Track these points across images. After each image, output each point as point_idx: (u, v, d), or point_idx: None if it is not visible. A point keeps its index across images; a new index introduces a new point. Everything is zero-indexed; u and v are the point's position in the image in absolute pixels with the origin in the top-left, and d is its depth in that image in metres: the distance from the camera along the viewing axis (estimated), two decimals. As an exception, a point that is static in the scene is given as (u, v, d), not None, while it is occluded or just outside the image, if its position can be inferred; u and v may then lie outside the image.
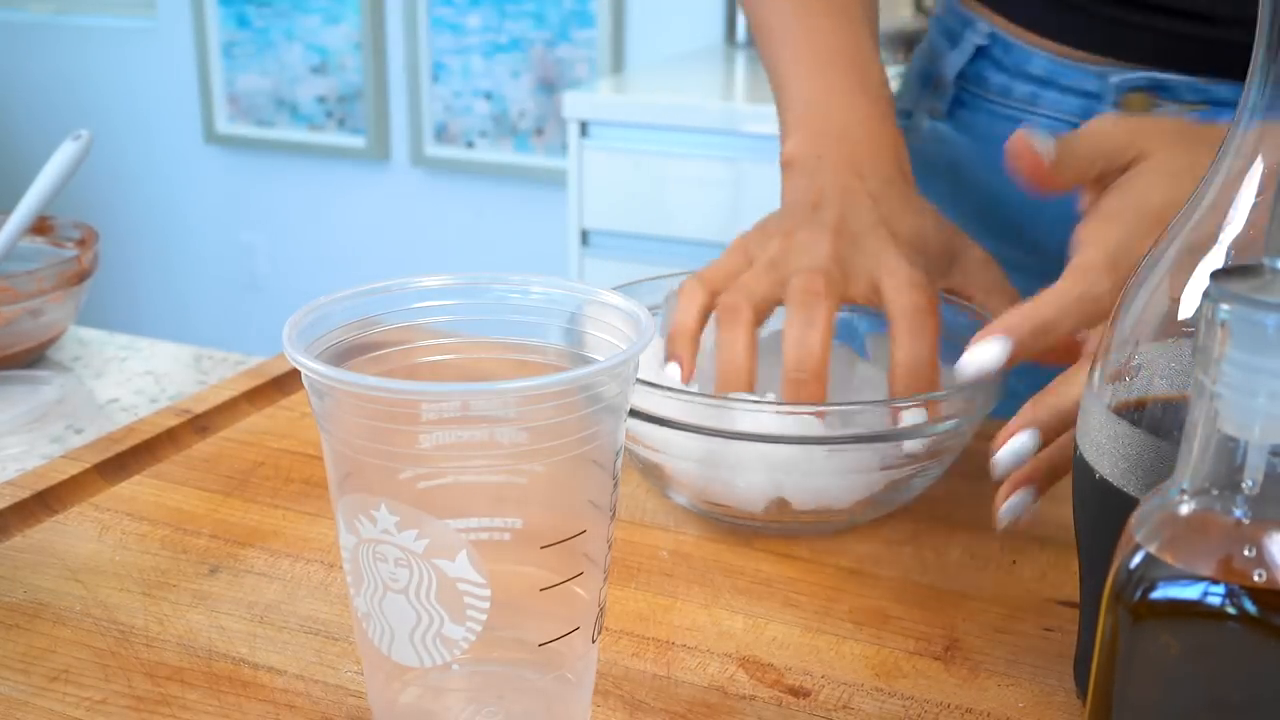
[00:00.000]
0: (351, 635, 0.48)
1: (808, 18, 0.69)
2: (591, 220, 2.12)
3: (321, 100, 2.75)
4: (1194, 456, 0.31)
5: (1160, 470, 0.38)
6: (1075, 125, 0.72)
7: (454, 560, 0.38)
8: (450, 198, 2.71)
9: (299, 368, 0.38)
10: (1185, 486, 0.32)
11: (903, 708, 0.45)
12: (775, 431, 0.53)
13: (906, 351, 0.56)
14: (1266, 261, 0.32)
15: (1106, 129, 0.56)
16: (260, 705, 0.44)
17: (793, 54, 0.68)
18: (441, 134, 2.66)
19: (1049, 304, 0.52)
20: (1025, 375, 0.56)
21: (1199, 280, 0.38)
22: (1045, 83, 0.74)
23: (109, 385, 0.78)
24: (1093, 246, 0.53)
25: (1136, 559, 0.31)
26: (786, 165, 0.64)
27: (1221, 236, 0.37)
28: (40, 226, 0.85)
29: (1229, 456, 0.30)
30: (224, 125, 2.86)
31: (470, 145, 2.65)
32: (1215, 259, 0.37)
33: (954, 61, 0.78)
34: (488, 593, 0.38)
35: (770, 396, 0.57)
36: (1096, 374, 0.42)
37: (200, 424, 0.66)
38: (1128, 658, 0.32)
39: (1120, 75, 0.70)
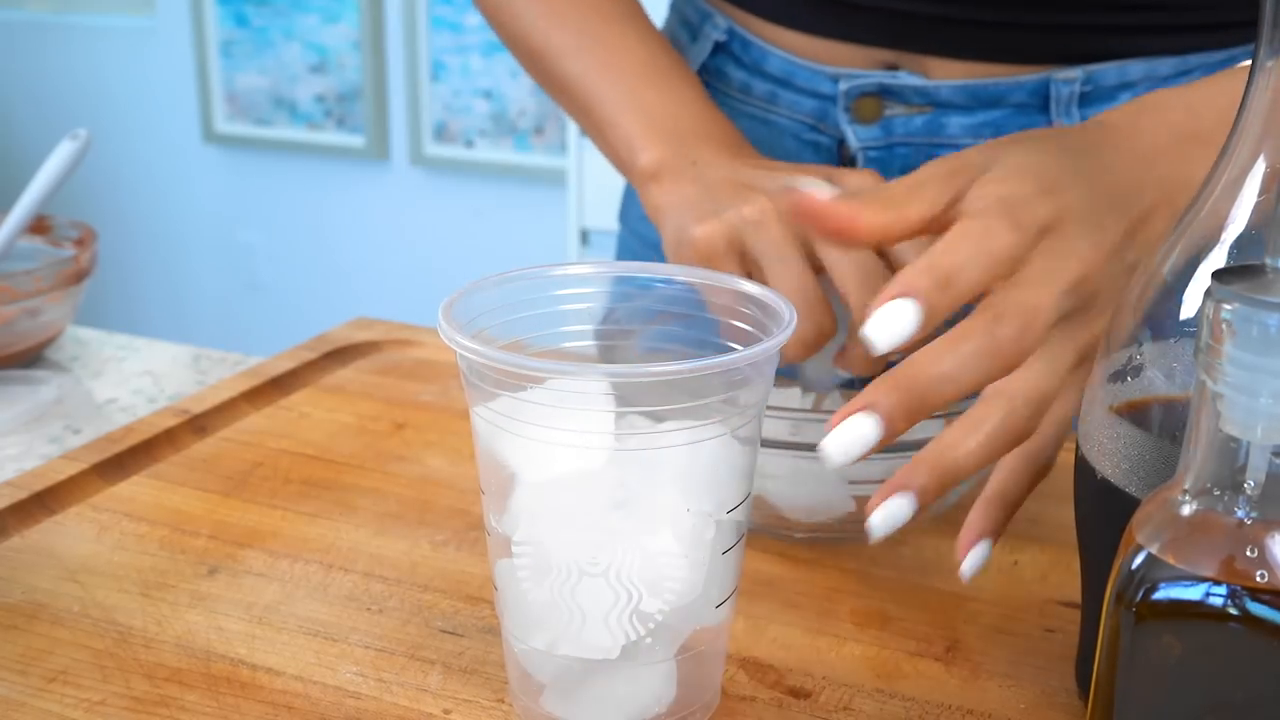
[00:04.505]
0: (350, 637, 0.48)
1: (609, 36, 0.66)
2: (591, 219, 2.12)
3: (320, 99, 2.75)
4: (1196, 457, 0.31)
5: (1162, 471, 0.38)
6: (813, 128, 0.73)
7: (656, 535, 0.40)
8: (450, 197, 2.71)
9: (516, 370, 0.38)
10: (1187, 487, 0.31)
11: (904, 709, 0.45)
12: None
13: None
14: (1268, 261, 0.32)
15: (937, 164, 0.48)
16: (259, 706, 0.44)
17: (609, 69, 0.65)
18: (441, 133, 2.66)
19: (944, 251, 0.43)
20: None
21: (1201, 280, 0.38)
22: (782, 83, 0.73)
23: (107, 385, 0.78)
24: (978, 199, 0.45)
25: (1138, 559, 0.31)
26: (653, 177, 0.61)
27: (1223, 236, 0.37)
28: (38, 226, 0.85)
29: (1231, 457, 0.30)
30: (222, 124, 2.86)
31: (470, 144, 2.65)
32: (1217, 259, 0.37)
33: (694, 56, 0.77)
34: (684, 562, 0.40)
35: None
36: (1098, 374, 0.41)
37: (199, 424, 0.66)
38: (1130, 658, 0.32)
39: (850, 80, 0.70)
